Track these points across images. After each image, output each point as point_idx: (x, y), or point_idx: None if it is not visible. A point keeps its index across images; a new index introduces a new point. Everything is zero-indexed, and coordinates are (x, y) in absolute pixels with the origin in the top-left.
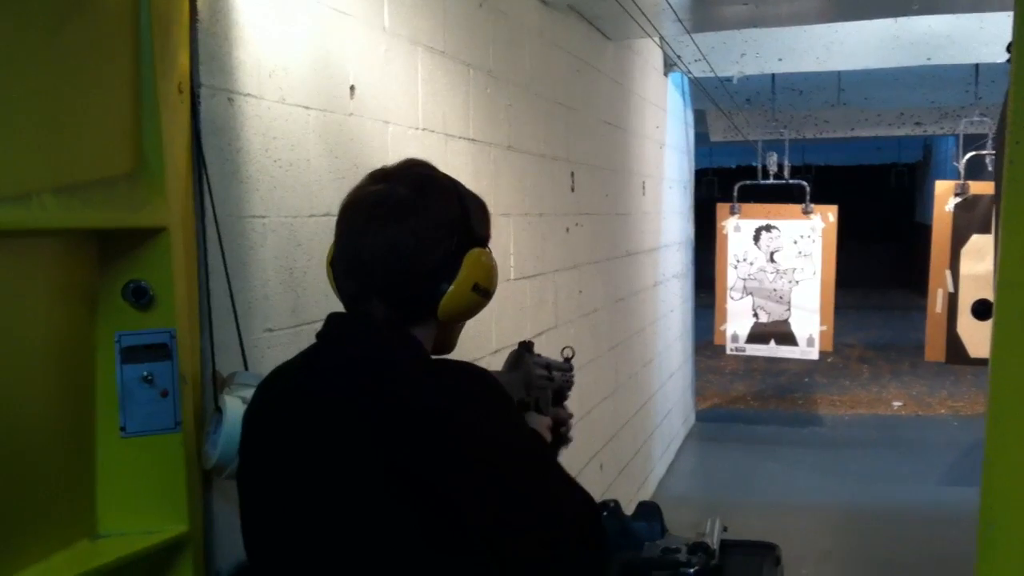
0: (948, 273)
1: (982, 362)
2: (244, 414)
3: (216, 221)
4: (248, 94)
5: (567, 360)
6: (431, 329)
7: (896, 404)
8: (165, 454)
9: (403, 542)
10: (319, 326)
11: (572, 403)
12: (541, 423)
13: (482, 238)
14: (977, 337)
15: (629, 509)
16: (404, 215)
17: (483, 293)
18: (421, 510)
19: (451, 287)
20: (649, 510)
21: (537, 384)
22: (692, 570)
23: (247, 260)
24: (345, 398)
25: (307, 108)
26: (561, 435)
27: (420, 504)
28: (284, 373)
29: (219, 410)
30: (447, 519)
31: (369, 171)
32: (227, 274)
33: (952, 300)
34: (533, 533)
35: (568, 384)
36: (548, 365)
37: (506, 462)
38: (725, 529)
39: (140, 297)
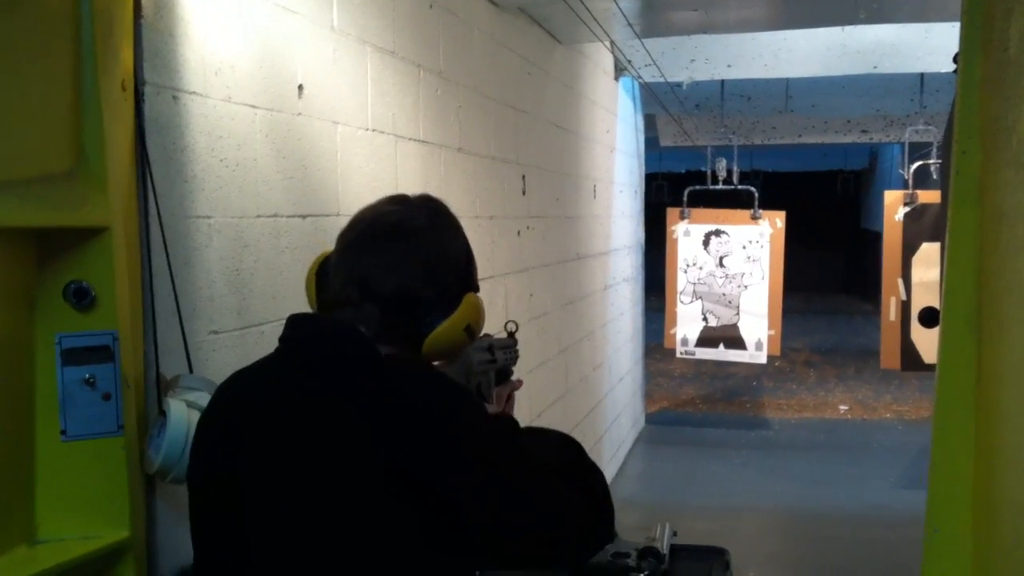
0: (900, 281)
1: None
2: (201, 419)
3: (160, 221)
4: (193, 92)
5: (511, 335)
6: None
7: (842, 408)
8: (107, 458)
9: (403, 542)
10: (266, 328)
11: (523, 407)
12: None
13: (476, 285)
14: (931, 343)
15: None
16: (419, 242)
17: (471, 335)
18: (421, 510)
19: (446, 322)
20: None
21: (478, 370)
22: (642, 575)
23: (192, 261)
24: (345, 398)
25: (254, 107)
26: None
27: (420, 504)
28: (250, 377)
29: (163, 413)
30: (447, 519)
31: (313, 170)
32: (171, 275)
33: (905, 308)
34: (534, 533)
35: (512, 360)
36: (490, 346)
37: (505, 462)
38: (675, 534)
39: (81, 298)
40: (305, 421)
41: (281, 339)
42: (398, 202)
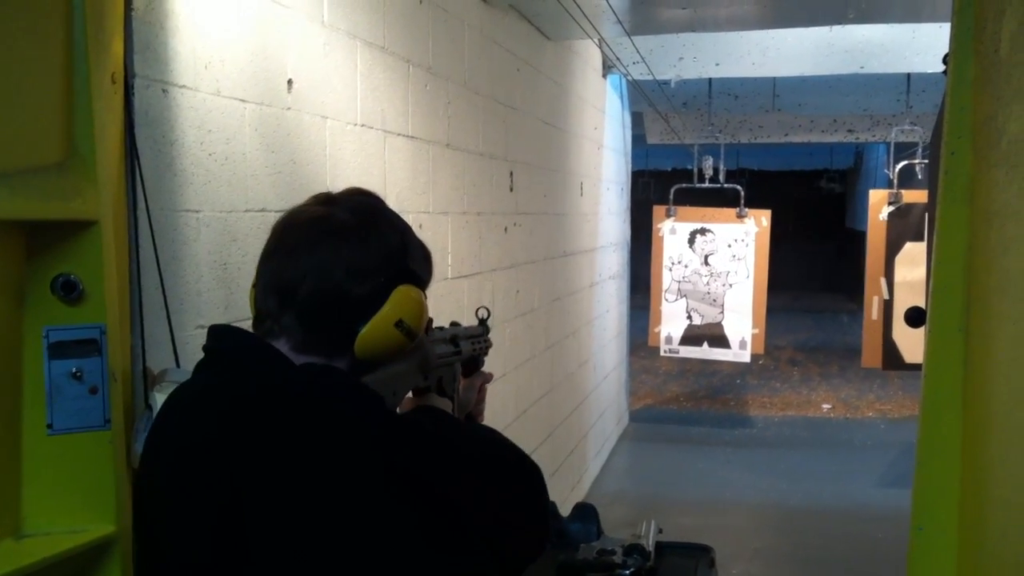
0: (883, 281)
1: (918, 367)
2: (150, 433)
3: (149, 215)
4: (183, 85)
5: (481, 322)
6: (345, 366)
7: (825, 406)
8: (93, 452)
9: (403, 542)
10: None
11: (508, 403)
12: (445, 405)
13: (417, 278)
14: (912, 343)
15: (564, 509)
16: (338, 241)
17: (407, 332)
18: (421, 510)
19: (372, 320)
20: (585, 512)
21: (437, 364)
22: (627, 572)
23: (180, 255)
24: (339, 399)
25: (244, 101)
26: (472, 414)
27: (420, 504)
28: (209, 386)
29: (150, 408)
30: (447, 519)
31: (302, 164)
32: (159, 269)
33: (887, 307)
34: (532, 530)
35: (483, 350)
36: (454, 337)
37: (500, 462)
38: (660, 531)
39: (70, 291)
40: (302, 424)
41: (204, 348)
42: (321, 202)
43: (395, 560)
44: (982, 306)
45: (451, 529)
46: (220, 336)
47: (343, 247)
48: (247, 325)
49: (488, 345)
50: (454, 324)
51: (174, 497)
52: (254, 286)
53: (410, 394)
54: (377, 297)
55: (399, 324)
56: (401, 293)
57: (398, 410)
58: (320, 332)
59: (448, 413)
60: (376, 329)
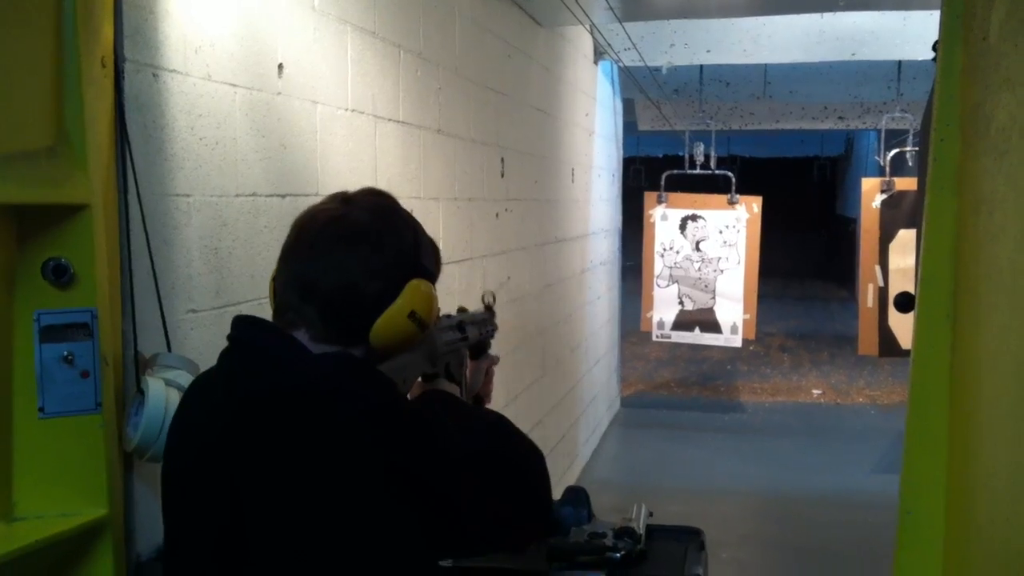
0: (878, 268)
1: None
2: (172, 423)
3: (139, 199)
4: (173, 70)
5: (488, 308)
6: (360, 355)
7: (816, 392)
8: (85, 436)
9: (403, 542)
10: (244, 307)
11: (499, 389)
12: (453, 390)
13: (429, 273)
14: (908, 329)
15: (555, 493)
16: (356, 240)
17: (419, 323)
18: (421, 510)
19: (386, 312)
20: (576, 495)
21: (444, 351)
22: (618, 555)
23: (171, 239)
24: (341, 397)
25: (234, 86)
26: (480, 396)
27: (420, 504)
28: (225, 376)
29: (141, 392)
30: (447, 519)
31: (293, 149)
32: (150, 253)
33: (882, 295)
34: (532, 526)
35: (489, 334)
36: (460, 324)
37: (501, 460)
38: (651, 515)
39: (60, 275)
40: (301, 422)
41: (228, 337)
42: (337, 200)
43: (395, 560)
44: (970, 294)
45: (450, 529)
46: (243, 326)
47: (360, 247)
48: (238, 310)
49: (494, 329)
50: (461, 310)
51: (173, 490)
52: (274, 279)
53: (420, 379)
54: (391, 291)
55: (412, 315)
56: (413, 287)
57: (408, 396)
58: (338, 324)
59: (456, 397)
60: (390, 320)
